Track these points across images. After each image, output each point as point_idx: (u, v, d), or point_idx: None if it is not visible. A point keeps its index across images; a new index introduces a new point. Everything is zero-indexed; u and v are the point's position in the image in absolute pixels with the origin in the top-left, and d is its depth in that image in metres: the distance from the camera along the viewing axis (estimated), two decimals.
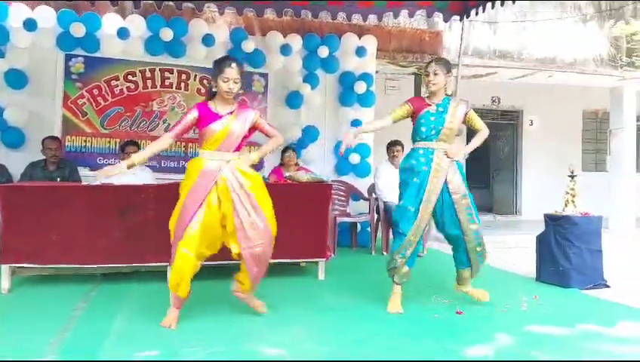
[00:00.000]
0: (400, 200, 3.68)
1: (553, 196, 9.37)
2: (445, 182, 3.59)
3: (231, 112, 3.26)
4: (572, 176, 4.62)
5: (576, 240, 4.44)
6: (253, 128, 3.36)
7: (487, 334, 3.17)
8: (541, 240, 4.68)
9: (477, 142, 3.83)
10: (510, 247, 6.93)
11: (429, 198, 3.57)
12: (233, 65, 3.21)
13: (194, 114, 3.24)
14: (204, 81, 6.29)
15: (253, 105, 6.45)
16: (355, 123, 6.35)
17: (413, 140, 3.73)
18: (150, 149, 3.40)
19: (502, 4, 5.33)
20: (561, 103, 10.02)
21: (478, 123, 3.81)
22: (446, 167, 3.61)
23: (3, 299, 3.80)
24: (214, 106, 3.27)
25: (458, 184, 3.64)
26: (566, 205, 4.60)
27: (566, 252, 4.43)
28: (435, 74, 3.64)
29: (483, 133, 3.83)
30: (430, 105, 3.68)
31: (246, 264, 3.27)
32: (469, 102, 3.83)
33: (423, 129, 3.64)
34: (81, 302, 3.44)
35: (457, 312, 3.57)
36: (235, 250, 3.28)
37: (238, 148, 3.30)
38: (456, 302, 3.82)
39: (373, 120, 3.75)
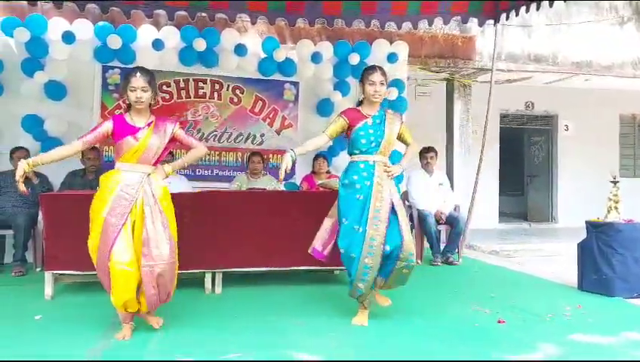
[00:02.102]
0: (344, 219, 3.40)
1: (591, 202, 9.14)
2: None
3: (149, 124, 3.18)
4: (614, 182, 4.49)
5: (620, 247, 4.30)
6: (173, 140, 3.25)
7: (530, 344, 3.09)
8: (583, 247, 4.54)
9: (410, 156, 3.68)
10: (548, 256, 6.80)
11: (377, 216, 3.32)
12: (138, 74, 3.13)
13: (108, 126, 3.15)
14: (237, 91, 6.35)
15: (284, 114, 6.50)
16: None
17: (351, 153, 3.51)
18: (57, 152, 3.30)
19: (537, 8, 5.25)
20: (597, 107, 9.79)
21: (410, 137, 3.64)
22: (388, 180, 3.44)
23: (46, 305, 3.88)
24: (130, 119, 3.18)
25: (399, 198, 3.48)
26: (609, 212, 4.46)
27: (609, 260, 4.29)
28: (382, 84, 3.45)
29: (414, 148, 3.69)
30: (367, 116, 3.47)
31: (143, 283, 3.08)
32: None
33: (363, 141, 3.42)
34: None
35: (499, 321, 3.49)
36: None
37: (157, 161, 3.22)
38: (498, 310, 3.74)
39: (309, 139, 3.51)
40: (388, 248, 3.31)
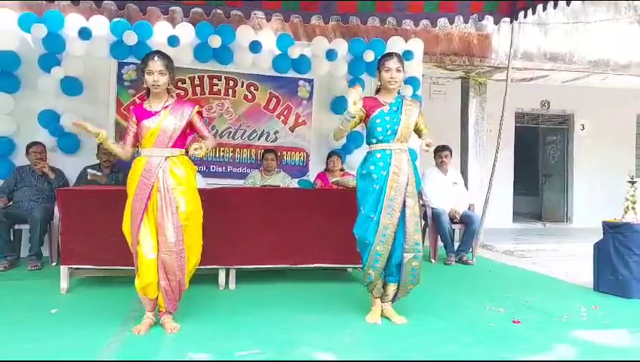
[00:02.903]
0: (361, 208, 3.42)
1: (606, 203, 9.06)
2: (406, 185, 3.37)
3: (166, 107, 3.20)
4: (632, 183, 4.43)
5: (637, 248, 4.23)
6: (191, 124, 3.26)
7: (545, 344, 3.06)
8: (599, 248, 4.49)
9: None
10: (563, 256, 6.74)
11: (390, 205, 3.31)
12: (156, 57, 3.15)
13: (132, 118, 3.22)
14: (251, 88, 6.36)
15: (298, 111, 6.49)
16: None
17: (369, 143, 3.48)
18: (115, 148, 3.32)
19: (555, 7, 5.18)
20: (614, 107, 9.66)
21: (425, 128, 3.54)
22: (406, 169, 3.38)
23: (62, 299, 3.91)
24: (148, 105, 3.22)
25: (414, 188, 3.43)
26: (626, 212, 4.40)
27: (626, 261, 4.24)
28: (398, 70, 3.39)
29: (429, 136, 3.55)
30: (383, 104, 3.43)
31: (156, 271, 3.12)
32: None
33: (379, 129, 3.39)
34: (136, 303, 3.50)
35: (514, 321, 3.46)
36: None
37: (177, 144, 3.20)
38: (513, 310, 3.71)
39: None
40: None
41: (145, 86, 3.24)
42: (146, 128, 3.15)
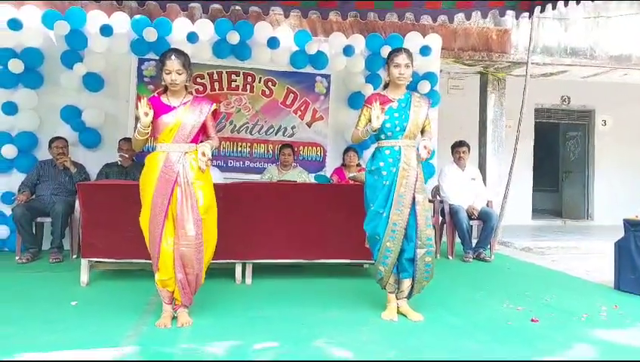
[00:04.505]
0: (370, 205, 3.40)
1: (628, 200, 8.96)
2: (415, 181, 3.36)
3: (185, 103, 3.23)
4: None
5: None
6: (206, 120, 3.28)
7: (564, 343, 3.03)
8: (620, 246, 4.43)
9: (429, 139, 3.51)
10: (583, 254, 6.64)
11: (400, 201, 3.31)
12: (173, 56, 3.16)
13: (147, 108, 3.16)
14: (269, 84, 6.38)
15: (315, 107, 6.50)
16: None
17: (377, 138, 3.44)
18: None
19: (577, 3, 5.09)
20: (636, 102, 9.49)
21: (430, 130, 3.54)
22: (415, 165, 3.36)
23: (82, 292, 3.99)
24: (166, 99, 3.24)
25: (422, 183, 3.44)
26: None
27: None
28: (407, 66, 3.36)
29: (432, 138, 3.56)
30: (392, 100, 3.40)
31: (174, 264, 3.16)
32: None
33: (388, 125, 3.36)
34: (154, 296, 3.55)
35: (532, 320, 3.43)
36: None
37: (195, 139, 3.23)
38: (531, 309, 3.68)
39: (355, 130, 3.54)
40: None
41: (163, 83, 3.27)
42: (165, 123, 3.18)
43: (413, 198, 3.35)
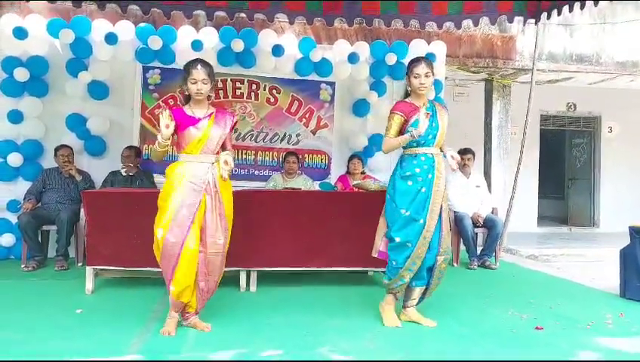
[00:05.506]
0: (403, 210, 3.35)
1: (635, 207, 8.91)
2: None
3: (209, 115, 3.26)
4: None
5: None
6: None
7: (568, 351, 3.02)
8: (626, 254, 4.40)
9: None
10: (589, 261, 6.60)
11: (434, 209, 3.35)
12: (199, 66, 3.20)
13: (172, 123, 3.16)
14: (273, 91, 6.40)
15: (320, 114, 6.51)
16: None
17: (408, 146, 3.41)
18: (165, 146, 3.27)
19: (582, 7, 5.09)
20: None
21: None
22: (444, 173, 3.41)
23: (87, 299, 3.99)
24: (190, 110, 3.26)
25: (447, 191, 3.48)
26: None
27: None
28: (427, 76, 3.38)
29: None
30: (419, 107, 3.41)
31: (197, 271, 3.19)
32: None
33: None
34: (159, 304, 3.56)
35: (537, 328, 3.41)
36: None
37: (218, 151, 3.29)
38: (536, 316, 3.66)
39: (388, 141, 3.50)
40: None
41: (186, 93, 3.28)
42: (192, 136, 3.21)
43: (441, 206, 3.38)
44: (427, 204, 3.34)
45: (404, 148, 3.45)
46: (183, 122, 3.21)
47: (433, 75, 3.46)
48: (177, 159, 3.28)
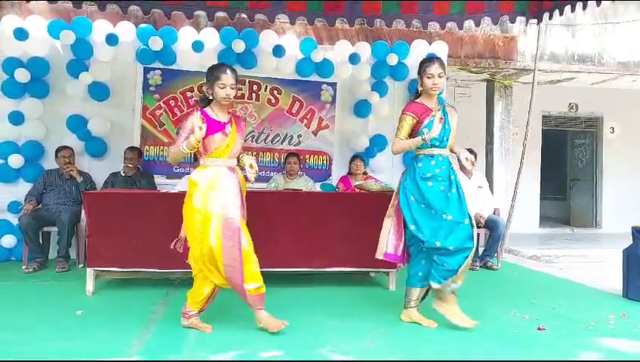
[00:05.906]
0: (444, 215, 3.30)
1: (637, 207, 8.88)
2: None
3: (229, 121, 3.27)
4: None
5: None
6: None
7: (571, 352, 3.00)
8: (628, 254, 4.38)
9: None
10: (591, 262, 6.59)
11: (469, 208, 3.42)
12: (228, 71, 3.20)
13: (200, 124, 3.10)
14: (275, 92, 6.40)
15: (321, 115, 6.50)
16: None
17: (422, 147, 3.37)
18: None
19: (584, 8, 5.07)
20: None
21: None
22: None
23: (88, 301, 3.98)
24: (214, 114, 3.24)
25: None
26: None
27: None
28: (440, 76, 3.36)
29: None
30: (432, 110, 3.40)
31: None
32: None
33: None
34: (159, 305, 3.55)
35: (539, 328, 3.39)
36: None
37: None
38: (538, 317, 3.64)
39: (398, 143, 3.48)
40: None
41: (210, 97, 3.24)
42: (222, 140, 3.20)
43: None
44: (464, 206, 3.35)
45: (418, 148, 3.42)
46: (212, 127, 3.19)
47: (445, 75, 3.45)
48: (201, 163, 3.26)
